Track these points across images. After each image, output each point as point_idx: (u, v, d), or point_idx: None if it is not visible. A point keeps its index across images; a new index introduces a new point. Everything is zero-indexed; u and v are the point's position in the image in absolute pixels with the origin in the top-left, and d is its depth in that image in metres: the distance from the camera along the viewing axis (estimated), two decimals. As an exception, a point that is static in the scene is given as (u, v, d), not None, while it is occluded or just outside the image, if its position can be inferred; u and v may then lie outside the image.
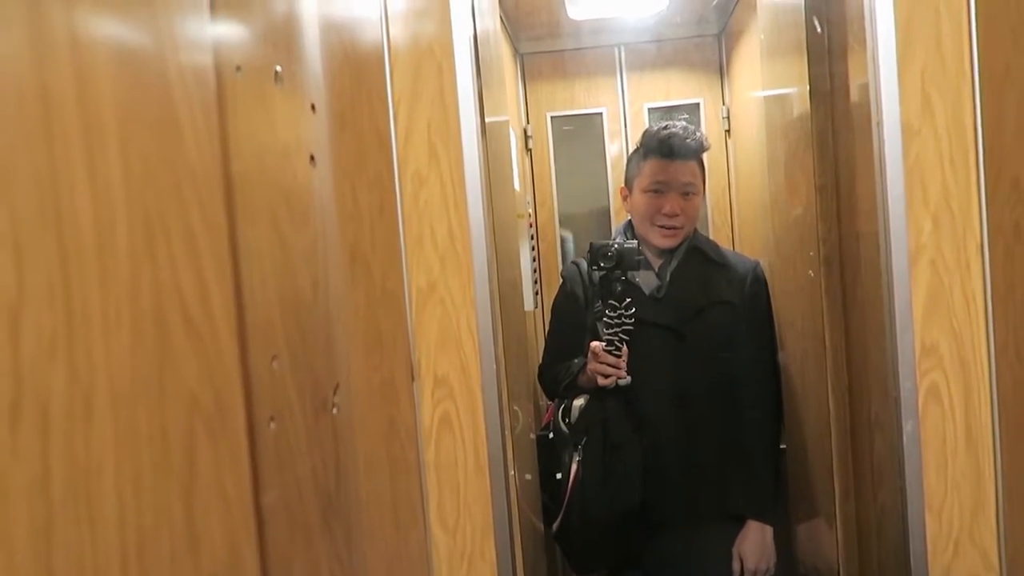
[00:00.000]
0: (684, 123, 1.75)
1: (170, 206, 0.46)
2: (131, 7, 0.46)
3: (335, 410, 0.82)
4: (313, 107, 0.82)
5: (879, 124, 1.07)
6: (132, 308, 0.41)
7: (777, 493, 1.74)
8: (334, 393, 0.82)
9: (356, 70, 1.03)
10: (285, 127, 0.75)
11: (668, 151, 1.71)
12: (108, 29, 0.43)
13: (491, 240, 1.19)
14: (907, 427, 1.07)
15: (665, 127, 1.74)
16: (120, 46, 0.45)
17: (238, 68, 0.65)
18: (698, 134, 1.74)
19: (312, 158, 0.81)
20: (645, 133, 1.79)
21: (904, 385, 1.07)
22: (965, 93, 1.05)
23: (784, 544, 1.78)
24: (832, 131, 1.44)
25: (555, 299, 1.92)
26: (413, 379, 1.16)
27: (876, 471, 1.34)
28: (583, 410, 1.73)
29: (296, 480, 0.71)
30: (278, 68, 0.74)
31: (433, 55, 1.17)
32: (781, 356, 1.76)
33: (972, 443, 1.08)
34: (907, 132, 1.07)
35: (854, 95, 1.24)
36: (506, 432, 1.21)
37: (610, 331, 1.63)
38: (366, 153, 1.01)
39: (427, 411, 1.17)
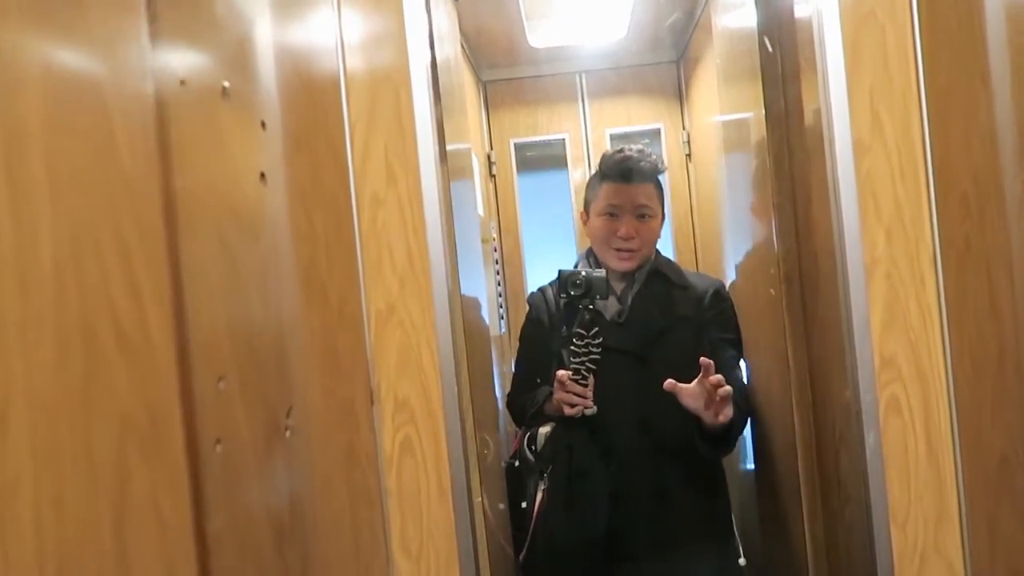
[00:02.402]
0: (640, 147, 1.75)
1: (101, 215, 0.44)
2: (61, 11, 0.45)
3: (288, 433, 0.80)
4: (264, 124, 0.81)
5: (831, 142, 1.09)
6: (56, 318, 0.39)
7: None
8: (287, 416, 0.80)
9: (310, 91, 1.02)
10: (233, 144, 0.73)
11: (623, 174, 1.72)
12: (36, 32, 0.42)
13: (451, 262, 1.18)
14: (869, 440, 1.08)
15: (620, 151, 1.74)
16: (48, 51, 0.43)
17: (182, 82, 0.63)
18: (653, 157, 1.73)
19: (263, 176, 0.79)
20: (602, 157, 1.79)
21: (865, 398, 1.08)
22: (913, 110, 1.08)
23: (755, 565, 1.77)
24: (788, 152, 1.46)
25: (522, 327, 1.91)
26: (373, 403, 1.14)
27: (842, 487, 1.34)
28: (549, 437, 1.70)
29: (246, 506, 0.68)
30: (226, 84, 0.73)
31: (390, 79, 1.17)
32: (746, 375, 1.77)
33: (933, 453, 1.09)
34: (858, 148, 1.08)
35: (808, 117, 1.26)
36: (470, 456, 1.18)
37: (577, 360, 1.61)
38: (321, 173, 0.99)
39: (388, 435, 1.14)
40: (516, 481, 1.74)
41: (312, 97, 1.02)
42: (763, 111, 1.50)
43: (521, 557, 1.68)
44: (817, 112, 1.16)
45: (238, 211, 0.72)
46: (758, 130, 1.55)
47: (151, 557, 0.46)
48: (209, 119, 0.68)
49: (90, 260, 0.42)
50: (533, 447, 1.72)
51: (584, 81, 2.80)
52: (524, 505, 1.70)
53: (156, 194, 0.52)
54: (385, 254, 1.14)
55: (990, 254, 0.98)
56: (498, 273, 2.61)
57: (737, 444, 1.75)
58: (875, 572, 1.09)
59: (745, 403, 1.68)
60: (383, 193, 1.14)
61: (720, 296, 1.78)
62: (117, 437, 0.43)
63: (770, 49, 1.33)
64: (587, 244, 1.85)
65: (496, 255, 2.66)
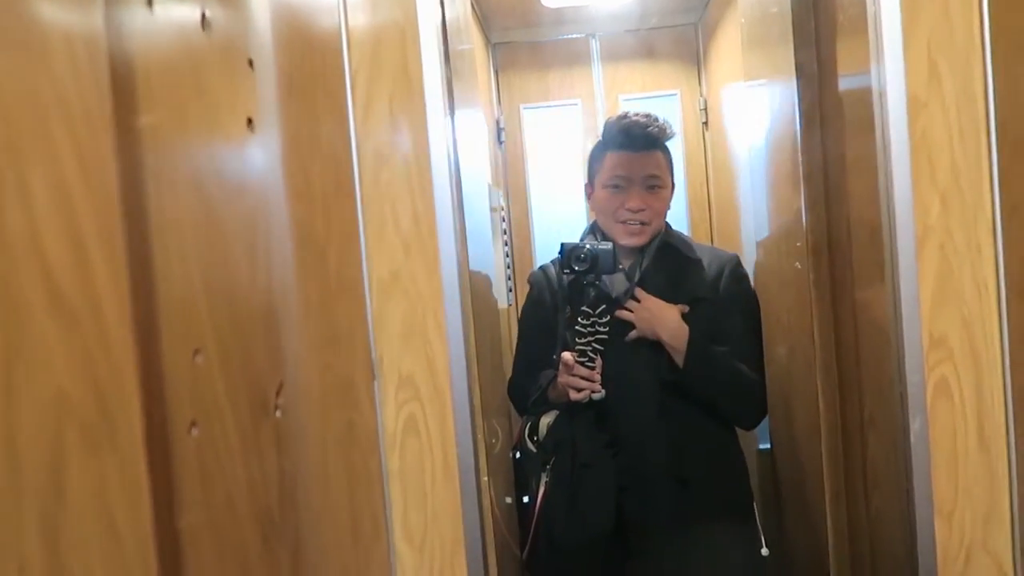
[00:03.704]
0: (647, 111, 1.61)
1: (26, 141, 0.35)
2: None
3: (279, 413, 0.71)
4: (251, 63, 0.71)
5: (882, 96, 0.98)
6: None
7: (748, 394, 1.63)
8: (277, 394, 0.71)
9: (307, 32, 0.92)
10: (214, 81, 0.64)
11: (628, 142, 1.58)
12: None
13: (460, 225, 1.09)
14: (915, 425, 0.99)
15: (625, 115, 1.61)
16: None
17: (148, 2, 0.54)
18: (661, 121, 1.60)
19: (250, 121, 0.70)
20: (606, 123, 1.65)
21: (911, 380, 0.98)
22: (975, 60, 0.97)
23: (776, 547, 1.70)
24: (820, 117, 1.36)
25: (523, 307, 1.80)
26: (374, 378, 1.05)
27: (870, 472, 1.26)
28: (552, 427, 1.59)
29: (227, 497, 0.60)
30: (205, 12, 0.63)
31: (396, 25, 1.07)
32: (767, 354, 1.67)
33: (984, 442, 1.00)
34: (913, 105, 0.98)
35: (848, 77, 1.16)
36: (478, 436, 1.10)
37: (583, 341, 1.51)
38: (319, 124, 0.90)
39: (390, 413, 1.06)
40: (518, 474, 1.64)
41: (308, 40, 0.92)
42: (794, 75, 1.40)
43: (524, 556, 1.59)
44: (863, 71, 1.06)
45: (219, 159, 0.63)
46: (787, 95, 1.45)
47: (98, 571, 0.37)
48: (184, 50, 0.59)
49: (9, 195, 0.33)
50: (535, 437, 1.63)
51: (598, 44, 2.67)
52: (526, 500, 1.61)
53: (108, 128, 0.43)
54: (389, 216, 1.05)
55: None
56: (506, 244, 2.52)
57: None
58: (916, 567, 1.00)
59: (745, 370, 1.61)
60: (387, 149, 1.04)
61: (739, 274, 1.68)
62: (50, 424, 0.34)
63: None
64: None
65: (504, 225, 2.56)
